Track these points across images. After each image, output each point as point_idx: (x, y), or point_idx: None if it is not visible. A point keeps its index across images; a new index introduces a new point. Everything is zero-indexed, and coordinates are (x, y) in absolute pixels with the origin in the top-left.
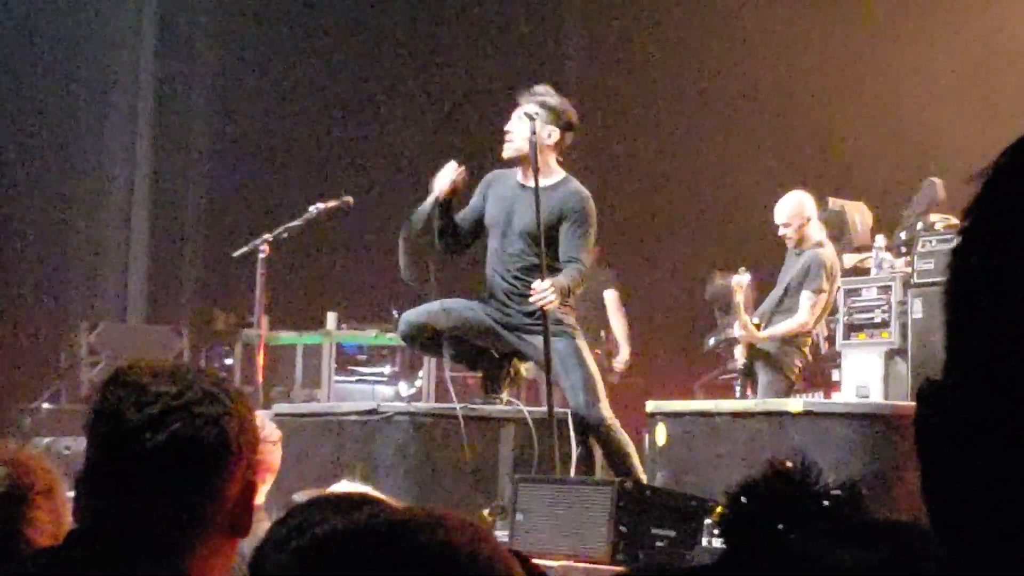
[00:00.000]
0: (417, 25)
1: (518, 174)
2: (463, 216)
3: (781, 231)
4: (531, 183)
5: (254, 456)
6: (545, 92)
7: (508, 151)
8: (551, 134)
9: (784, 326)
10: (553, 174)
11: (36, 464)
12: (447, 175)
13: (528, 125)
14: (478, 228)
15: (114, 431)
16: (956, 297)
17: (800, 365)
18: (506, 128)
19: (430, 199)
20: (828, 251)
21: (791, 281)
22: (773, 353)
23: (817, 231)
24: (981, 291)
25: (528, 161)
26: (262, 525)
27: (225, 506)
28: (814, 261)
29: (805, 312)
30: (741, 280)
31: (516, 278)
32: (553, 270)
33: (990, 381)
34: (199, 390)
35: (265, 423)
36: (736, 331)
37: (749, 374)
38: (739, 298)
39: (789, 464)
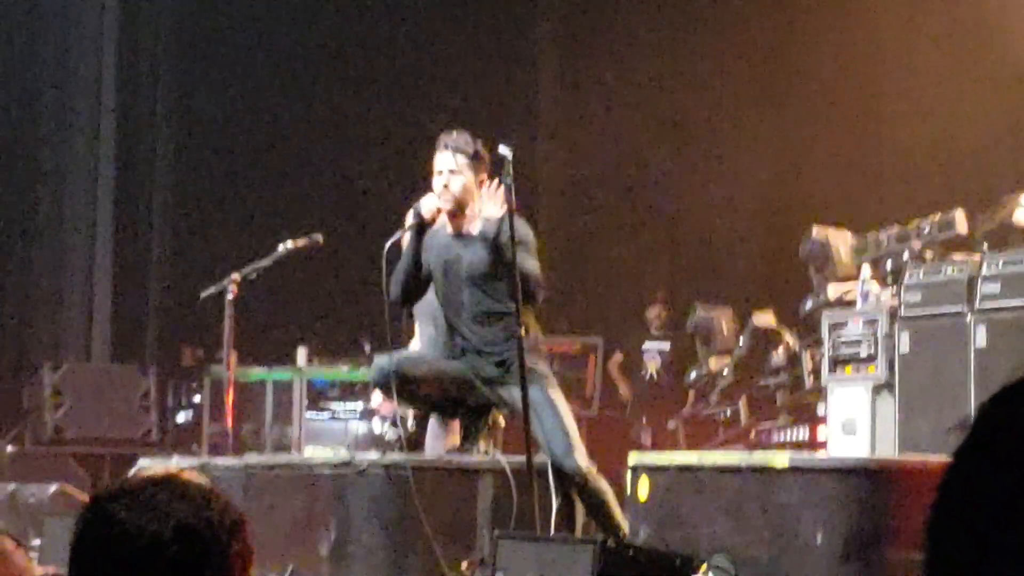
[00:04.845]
0: (385, 58)
1: (446, 227)
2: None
3: None
4: (465, 232)
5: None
6: (469, 139)
7: (450, 204)
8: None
9: None
10: (483, 213)
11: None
12: (432, 201)
13: (471, 174)
14: (427, 280)
15: (89, 571)
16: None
17: None
18: (444, 182)
19: (410, 221)
20: None
21: None
22: None
23: None
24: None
25: (464, 210)
26: None
27: None
28: None
29: None
30: None
31: (475, 324)
32: (512, 313)
33: None
34: (174, 526)
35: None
36: None
37: None
38: None
39: None
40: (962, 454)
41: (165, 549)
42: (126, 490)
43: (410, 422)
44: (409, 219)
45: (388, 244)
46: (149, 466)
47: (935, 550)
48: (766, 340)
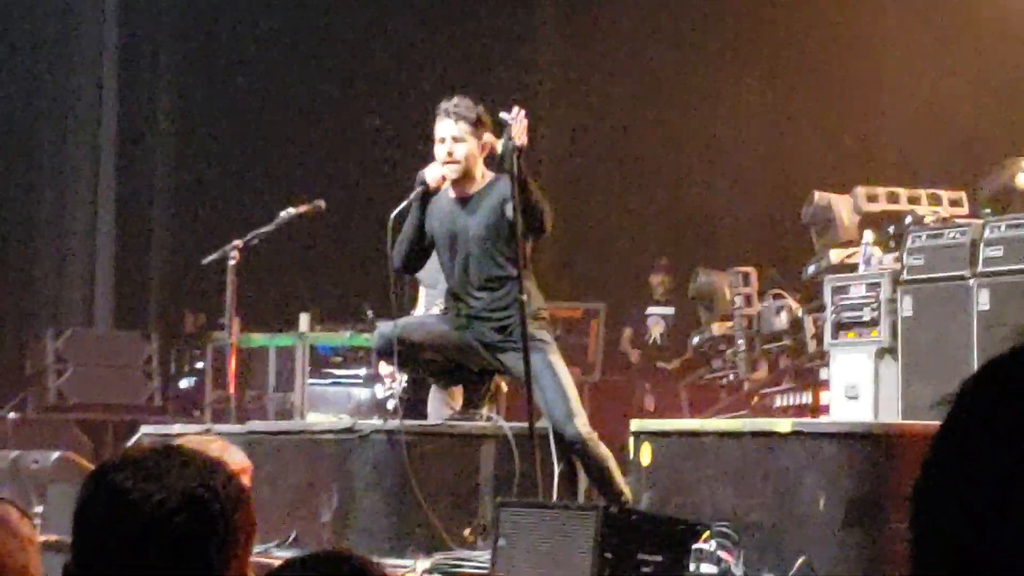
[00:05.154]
0: (387, 25)
1: (449, 192)
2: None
3: None
4: (469, 196)
5: (248, 550)
6: (471, 104)
7: (455, 172)
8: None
9: None
10: (485, 178)
11: (13, 546)
12: (436, 170)
13: (474, 140)
14: (429, 247)
15: (95, 540)
16: (922, 522)
17: None
18: (448, 150)
19: (417, 190)
20: None
21: None
22: None
23: None
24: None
25: (471, 177)
26: None
27: None
28: None
29: None
30: None
31: (480, 291)
32: (514, 279)
33: None
34: (180, 495)
35: (226, 453)
36: None
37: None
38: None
39: None
40: (949, 426)
41: (171, 517)
42: (130, 460)
43: (403, 383)
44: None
45: (394, 214)
46: (151, 432)
47: (921, 521)
48: (745, 281)
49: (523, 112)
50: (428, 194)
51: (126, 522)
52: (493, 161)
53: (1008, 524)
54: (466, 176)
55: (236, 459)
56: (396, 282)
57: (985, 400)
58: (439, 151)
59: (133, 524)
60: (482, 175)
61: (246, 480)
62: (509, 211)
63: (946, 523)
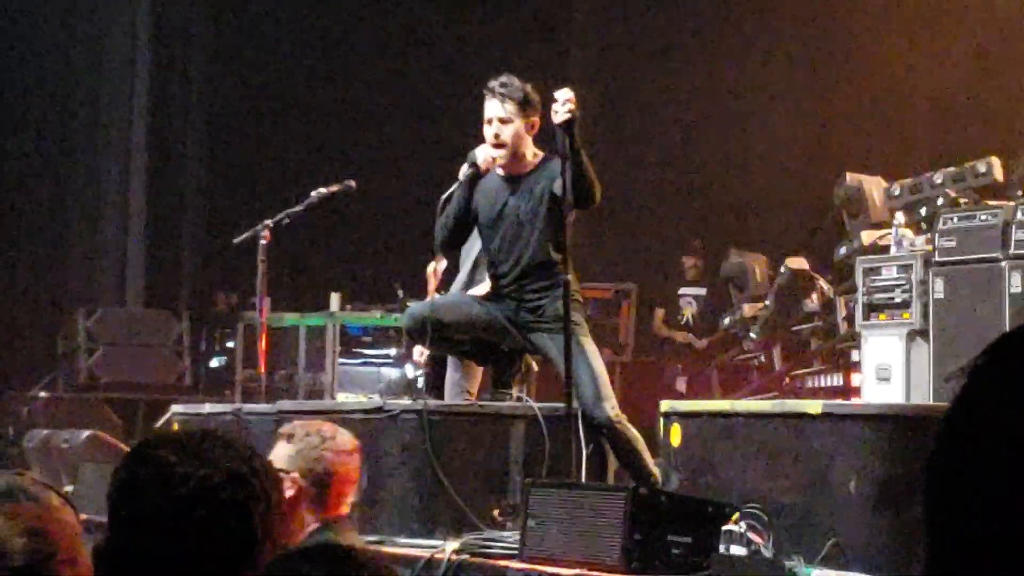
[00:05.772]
0: (419, 5)
1: (497, 169)
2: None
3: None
4: (517, 176)
5: (281, 530)
6: (518, 84)
7: (503, 157)
8: (535, 125)
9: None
10: (536, 158)
11: (58, 530)
12: (486, 151)
13: (521, 120)
14: (471, 225)
15: (136, 513)
16: (935, 506)
17: None
18: (494, 133)
19: (464, 170)
20: None
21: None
22: None
23: None
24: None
25: (520, 157)
26: (349, 535)
27: None
28: None
29: None
30: (437, 267)
31: (519, 271)
32: (555, 263)
33: None
34: (225, 471)
35: (337, 433)
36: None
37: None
38: (431, 286)
39: None
40: (962, 400)
41: (217, 492)
42: (172, 438)
43: (416, 360)
44: (464, 170)
45: (444, 197)
46: (182, 411)
47: (934, 497)
48: (798, 284)
49: (564, 90)
50: (478, 176)
51: (170, 495)
52: (546, 139)
53: (1021, 499)
54: (515, 156)
55: (347, 438)
56: (437, 258)
57: (998, 374)
58: (487, 132)
59: (178, 497)
60: (533, 154)
61: (358, 459)
62: (558, 188)
63: (959, 498)
